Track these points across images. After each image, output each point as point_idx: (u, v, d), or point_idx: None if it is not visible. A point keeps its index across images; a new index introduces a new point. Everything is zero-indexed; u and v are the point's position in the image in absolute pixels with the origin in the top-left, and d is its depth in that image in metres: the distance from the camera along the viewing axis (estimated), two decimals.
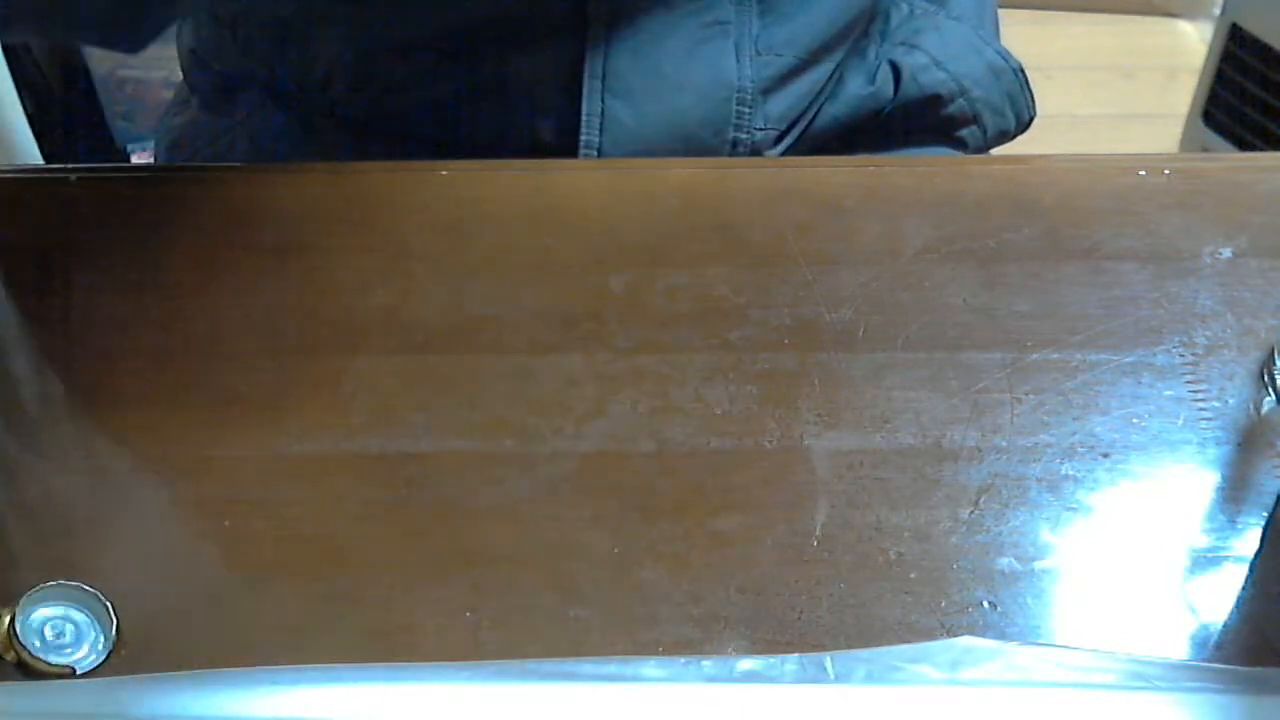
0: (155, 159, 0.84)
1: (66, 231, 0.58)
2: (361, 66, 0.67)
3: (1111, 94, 1.92)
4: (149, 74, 1.55)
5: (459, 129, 0.67)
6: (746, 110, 0.65)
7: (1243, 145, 1.60)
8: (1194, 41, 1.97)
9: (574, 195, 0.59)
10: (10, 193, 0.60)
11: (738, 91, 0.65)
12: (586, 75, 0.63)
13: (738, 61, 0.65)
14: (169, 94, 0.82)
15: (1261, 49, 1.54)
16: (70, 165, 0.60)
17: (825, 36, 0.68)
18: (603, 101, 0.64)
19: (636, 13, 0.63)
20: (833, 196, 0.58)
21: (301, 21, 0.67)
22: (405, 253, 0.56)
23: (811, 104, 0.69)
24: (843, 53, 0.70)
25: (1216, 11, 1.71)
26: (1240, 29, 1.56)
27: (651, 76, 0.64)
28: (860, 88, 0.71)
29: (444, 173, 0.60)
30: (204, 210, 0.59)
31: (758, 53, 0.66)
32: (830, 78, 0.69)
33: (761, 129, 0.66)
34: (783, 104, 0.67)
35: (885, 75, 0.71)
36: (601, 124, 0.64)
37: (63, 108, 1.48)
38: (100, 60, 1.52)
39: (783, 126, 0.68)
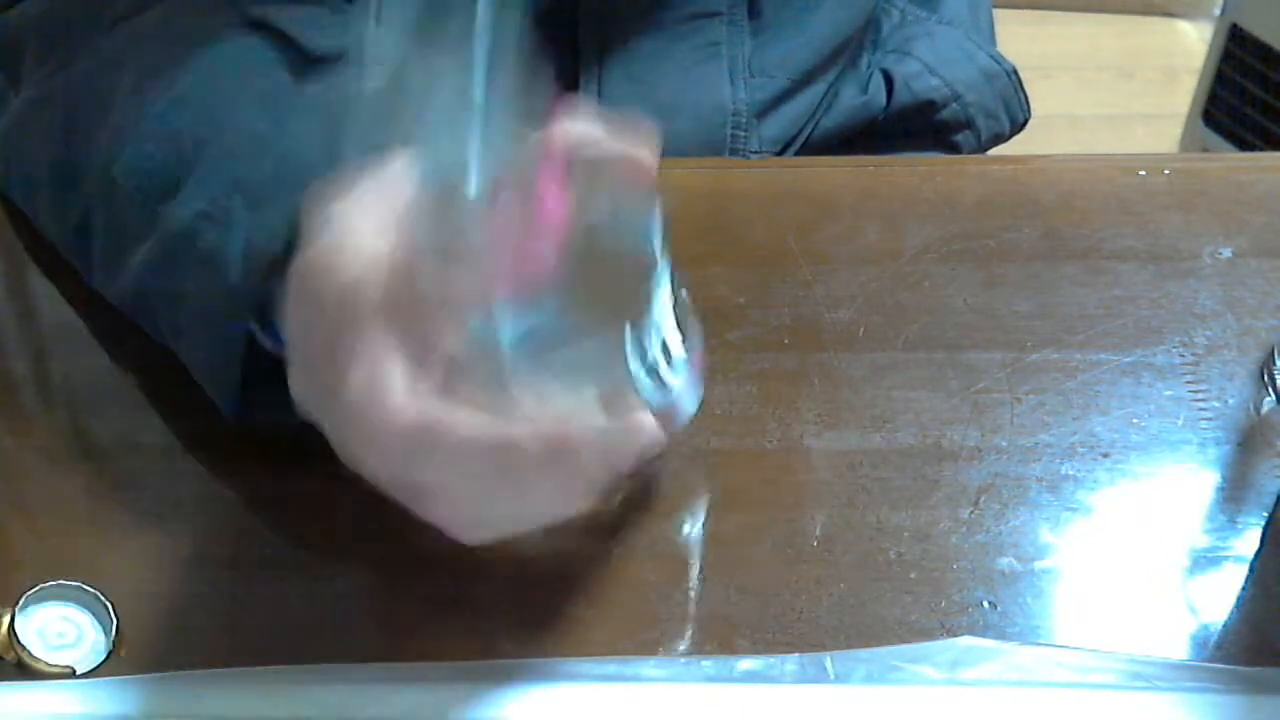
0: None
1: None
2: None
3: (1111, 94, 1.91)
4: None
5: None
6: (742, 134, 0.65)
7: (1243, 145, 1.60)
8: (1194, 41, 1.97)
9: None
10: None
11: (733, 115, 0.65)
12: (581, 100, 0.63)
13: (732, 84, 0.65)
14: None
15: (1261, 49, 1.54)
16: None
17: (819, 57, 0.68)
18: None
19: (629, 35, 0.63)
20: (833, 196, 0.58)
21: None
22: None
23: (806, 124, 0.69)
24: (836, 71, 0.70)
25: (1216, 11, 1.71)
26: (1240, 29, 1.56)
27: (647, 101, 0.64)
28: (853, 97, 0.71)
29: None
30: None
31: (751, 75, 0.65)
32: (824, 97, 0.69)
33: (757, 151, 0.66)
34: (778, 126, 0.67)
35: (878, 84, 0.71)
36: None
37: None
38: None
39: (778, 148, 0.68)
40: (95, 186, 0.49)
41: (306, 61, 0.47)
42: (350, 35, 0.49)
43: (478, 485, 0.39)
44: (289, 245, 0.43)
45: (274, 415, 0.40)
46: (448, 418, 0.37)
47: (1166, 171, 0.59)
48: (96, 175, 0.49)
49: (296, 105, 0.46)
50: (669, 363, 0.37)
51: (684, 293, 0.41)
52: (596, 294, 0.35)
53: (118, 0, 0.53)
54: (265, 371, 0.46)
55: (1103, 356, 0.52)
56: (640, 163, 0.39)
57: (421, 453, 0.37)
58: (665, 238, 0.37)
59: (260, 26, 0.49)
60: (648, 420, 0.39)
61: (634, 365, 0.35)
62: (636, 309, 0.35)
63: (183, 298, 0.46)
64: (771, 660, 0.43)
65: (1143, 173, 0.59)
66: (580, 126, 0.40)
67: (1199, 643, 0.44)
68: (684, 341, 0.39)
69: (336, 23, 0.50)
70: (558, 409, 0.36)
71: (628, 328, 0.35)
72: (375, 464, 0.39)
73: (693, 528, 0.47)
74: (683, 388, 0.40)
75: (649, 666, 0.43)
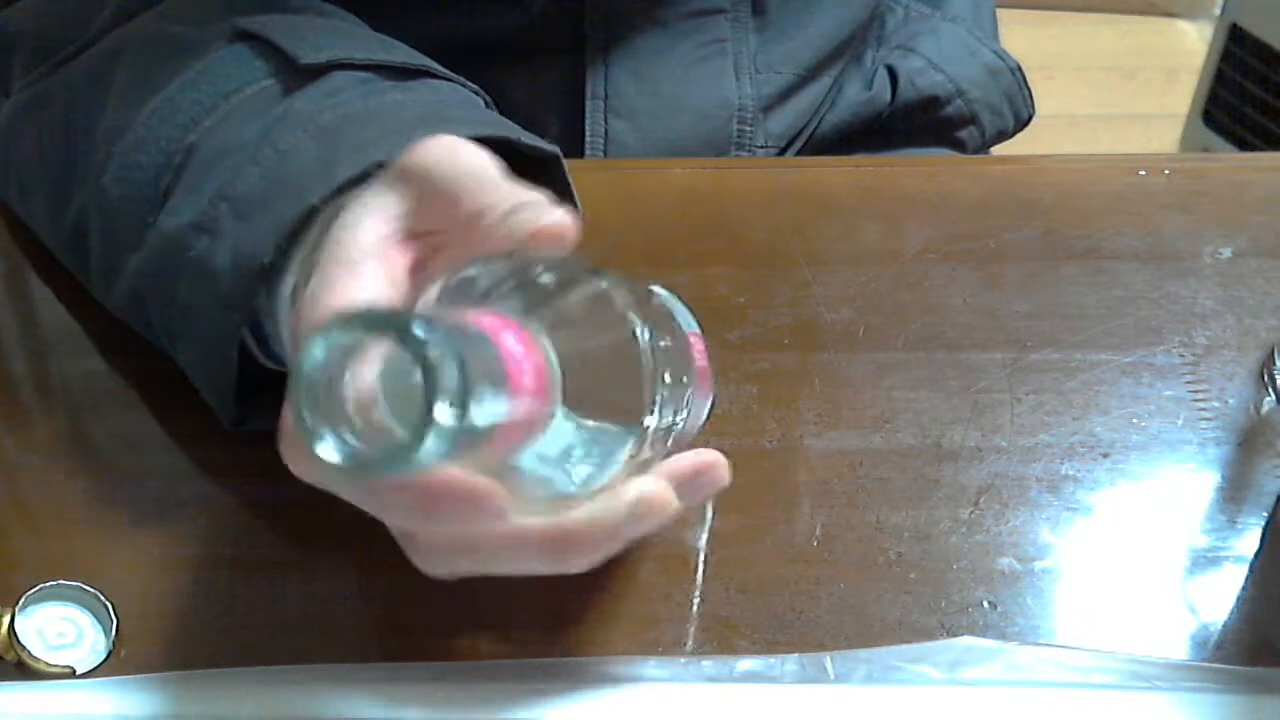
0: None
1: None
2: None
3: (1111, 94, 1.92)
4: None
5: None
6: (747, 129, 0.65)
7: (1243, 145, 1.60)
8: (1194, 41, 1.97)
9: None
10: None
11: (738, 110, 0.65)
12: (588, 96, 0.63)
13: (737, 80, 0.65)
14: None
15: (1261, 49, 1.54)
16: None
17: (823, 53, 0.68)
18: (605, 122, 0.63)
19: (634, 32, 0.63)
20: (833, 196, 0.58)
21: None
22: None
23: (811, 118, 0.69)
24: (841, 67, 0.70)
25: (1216, 11, 1.71)
26: (1240, 29, 1.56)
27: (652, 97, 0.64)
28: (857, 93, 0.71)
29: None
30: None
31: (757, 70, 0.65)
32: (829, 92, 0.69)
33: (762, 146, 0.66)
34: (783, 121, 0.67)
35: (882, 79, 0.71)
36: (605, 145, 0.64)
37: None
38: None
39: (783, 143, 0.68)
40: (88, 193, 0.49)
41: (295, 71, 0.47)
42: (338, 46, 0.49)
43: (520, 565, 0.39)
44: (278, 253, 0.43)
45: (273, 424, 0.39)
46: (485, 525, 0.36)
47: (1166, 171, 0.59)
48: (89, 183, 0.49)
49: (284, 114, 0.46)
50: (677, 401, 0.37)
51: (665, 295, 0.40)
52: (593, 389, 0.34)
53: (107, 4, 0.53)
54: (262, 379, 0.46)
55: (1103, 356, 0.52)
56: (553, 229, 0.38)
57: (462, 552, 0.37)
58: (634, 297, 0.36)
59: (249, 36, 0.49)
60: (715, 470, 0.40)
61: (650, 418, 0.35)
62: (634, 385, 0.35)
63: (176, 307, 0.46)
64: (771, 660, 0.43)
65: (1143, 173, 0.59)
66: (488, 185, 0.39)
67: (1199, 643, 0.44)
68: (688, 334, 0.39)
69: (325, 32, 0.49)
70: (590, 502, 0.36)
71: (634, 408, 0.35)
72: (415, 559, 0.38)
73: (693, 528, 0.47)
74: (693, 409, 0.40)
75: (649, 666, 0.43)
